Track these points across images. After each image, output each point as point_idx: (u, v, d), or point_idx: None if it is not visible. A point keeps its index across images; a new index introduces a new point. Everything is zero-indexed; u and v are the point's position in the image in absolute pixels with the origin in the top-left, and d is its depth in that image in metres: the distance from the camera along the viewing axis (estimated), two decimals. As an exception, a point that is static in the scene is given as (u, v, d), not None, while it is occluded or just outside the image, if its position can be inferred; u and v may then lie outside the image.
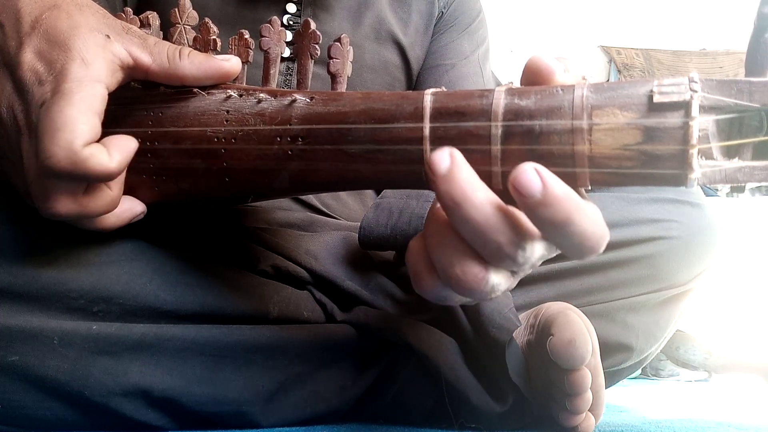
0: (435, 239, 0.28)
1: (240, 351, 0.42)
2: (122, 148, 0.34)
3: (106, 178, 0.33)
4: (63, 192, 0.33)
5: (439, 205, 0.28)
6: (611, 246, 0.53)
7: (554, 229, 0.25)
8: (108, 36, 0.34)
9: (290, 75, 0.60)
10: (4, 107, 0.33)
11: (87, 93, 0.32)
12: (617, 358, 0.56)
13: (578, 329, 0.43)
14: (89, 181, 0.34)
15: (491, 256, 0.27)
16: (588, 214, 0.26)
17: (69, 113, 0.31)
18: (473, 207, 0.26)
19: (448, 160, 0.27)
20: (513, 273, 0.29)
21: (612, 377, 0.59)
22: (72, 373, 0.38)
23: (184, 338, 0.41)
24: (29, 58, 0.32)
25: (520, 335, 0.48)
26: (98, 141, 0.33)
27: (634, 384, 1.36)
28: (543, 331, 0.45)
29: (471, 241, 0.27)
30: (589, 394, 0.44)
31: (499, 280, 0.28)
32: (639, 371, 1.41)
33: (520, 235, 0.26)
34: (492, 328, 0.45)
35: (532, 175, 0.25)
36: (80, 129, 0.31)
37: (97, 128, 0.32)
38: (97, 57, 0.33)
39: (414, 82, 0.70)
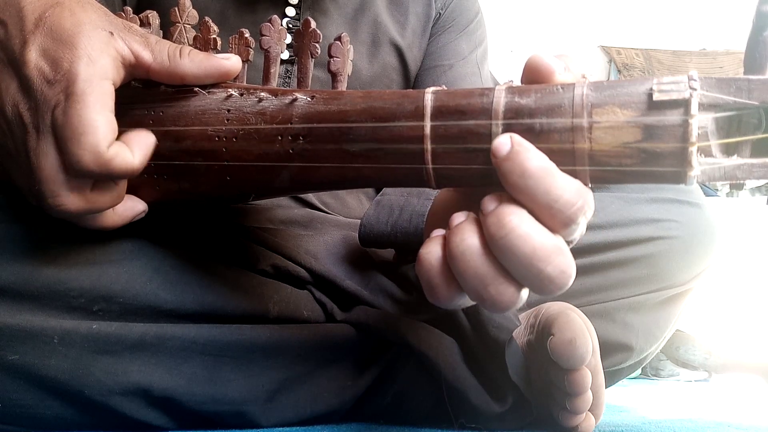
0: (463, 264, 0.27)
1: (240, 350, 0.42)
2: (143, 145, 0.35)
3: (130, 175, 0.34)
4: (72, 189, 0.33)
5: (450, 225, 0.28)
6: (611, 246, 0.54)
7: (518, 183, 0.26)
8: (111, 33, 0.34)
9: (289, 77, 0.60)
10: (9, 105, 0.33)
11: (99, 92, 0.32)
12: (617, 357, 0.56)
13: (578, 329, 0.43)
14: (114, 179, 0.35)
15: (529, 281, 0.27)
16: (557, 177, 0.26)
17: (88, 116, 0.32)
18: (519, 237, 0.26)
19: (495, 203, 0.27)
20: None
21: (612, 377, 0.59)
22: (72, 372, 0.38)
23: (184, 337, 0.41)
24: (34, 56, 0.32)
25: (520, 335, 0.48)
26: (118, 137, 0.34)
27: (634, 384, 1.36)
28: (543, 331, 0.45)
29: (514, 271, 0.27)
30: (589, 394, 0.44)
31: (526, 294, 0.28)
32: (639, 371, 1.42)
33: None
34: (492, 328, 0.45)
35: (504, 138, 0.27)
36: (102, 131, 0.32)
37: (115, 124, 0.33)
38: (102, 54, 0.33)
39: (412, 83, 0.70)
